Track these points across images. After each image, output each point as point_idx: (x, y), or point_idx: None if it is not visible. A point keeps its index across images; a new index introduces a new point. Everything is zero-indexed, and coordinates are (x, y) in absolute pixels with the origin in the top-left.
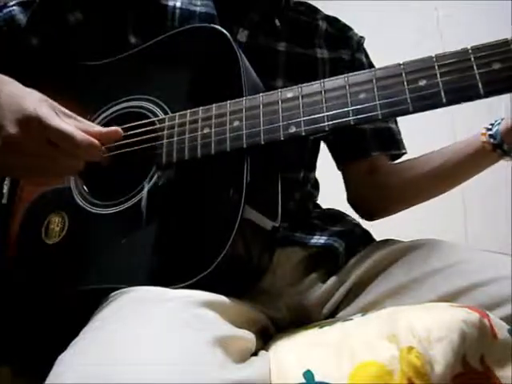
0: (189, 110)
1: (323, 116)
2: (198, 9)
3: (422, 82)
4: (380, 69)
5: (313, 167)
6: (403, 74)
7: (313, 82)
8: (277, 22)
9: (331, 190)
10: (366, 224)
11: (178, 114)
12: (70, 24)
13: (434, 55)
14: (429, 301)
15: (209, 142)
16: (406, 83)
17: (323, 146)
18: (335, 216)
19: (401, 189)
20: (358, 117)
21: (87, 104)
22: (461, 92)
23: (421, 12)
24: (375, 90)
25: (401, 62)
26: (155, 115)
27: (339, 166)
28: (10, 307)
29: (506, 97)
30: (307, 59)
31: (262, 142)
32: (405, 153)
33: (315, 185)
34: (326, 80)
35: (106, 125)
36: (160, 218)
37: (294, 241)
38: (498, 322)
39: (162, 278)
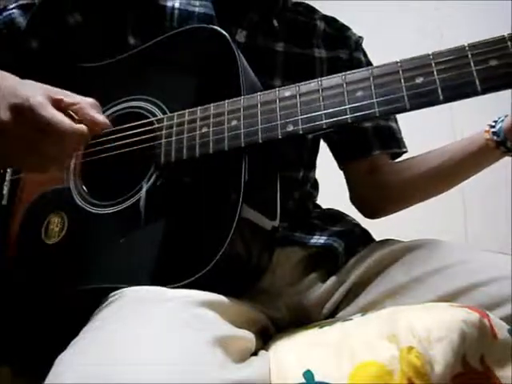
0: (187, 110)
1: (321, 114)
2: (196, 9)
3: (419, 80)
4: (377, 67)
5: (312, 167)
6: (400, 72)
7: (310, 81)
8: (275, 22)
9: (331, 190)
10: (365, 224)
11: (176, 113)
12: (69, 26)
13: (430, 53)
14: (429, 301)
15: (207, 142)
16: (402, 81)
17: (323, 145)
18: (335, 216)
19: (401, 187)
20: (356, 115)
21: None
22: (458, 89)
23: (421, 12)
24: (372, 87)
25: (398, 60)
26: (154, 115)
27: (340, 165)
28: (9, 307)
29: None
30: (305, 59)
31: (260, 141)
32: (405, 151)
33: (315, 185)
34: (323, 78)
35: None
36: (159, 217)
37: (294, 241)
38: (498, 322)
39: (161, 277)
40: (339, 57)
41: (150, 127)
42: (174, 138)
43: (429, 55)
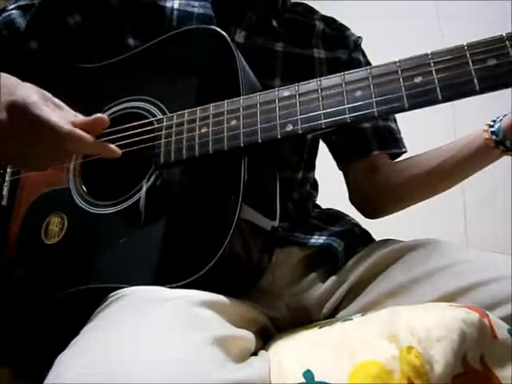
0: (186, 110)
1: (320, 114)
2: (195, 10)
3: (418, 79)
4: (376, 66)
5: (312, 167)
6: (399, 72)
7: (309, 81)
8: (274, 22)
9: (331, 190)
10: (365, 224)
11: (175, 113)
12: (69, 27)
13: (429, 52)
14: (429, 301)
15: (206, 142)
16: (401, 80)
17: (323, 145)
18: (334, 216)
19: (401, 187)
20: (355, 114)
21: (87, 106)
22: (456, 88)
23: (421, 12)
24: (371, 87)
25: (396, 60)
26: (153, 116)
27: (339, 166)
28: (9, 308)
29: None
30: (304, 59)
31: (259, 141)
32: (405, 151)
33: (314, 185)
34: (322, 78)
35: None
36: (158, 217)
37: (294, 241)
38: (498, 322)
39: (161, 277)
40: (338, 57)
41: (149, 127)
42: (173, 138)
43: (427, 55)
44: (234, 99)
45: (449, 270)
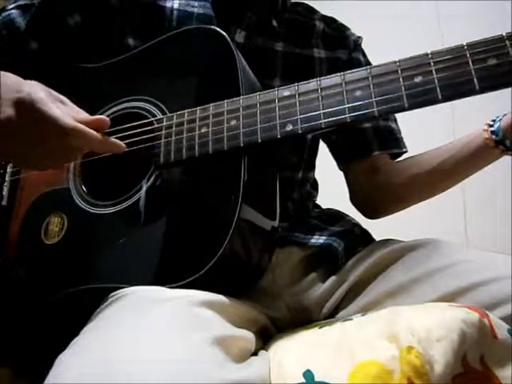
0: (186, 110)
1: (319, 114)
2: (195, 10)
3: (418, 79)
4: (376, 66)
5: (312, 167)
6: (399, 71)
7: (309, 81)
8: (274, 22)
9: (331, 190)
10: (365, 224)
11: (175, 113)
12: (69, 27)
13: (429, 52)
14: (429, 301)
15: (206, 142)
16: (401, 80)
17: (323, 145)
18: (334, 216)
19: (401, 187)
20: (355, 114)
21: (87, 106)
22: (456, 88)
23: (421, 12)
24: (371, 87)
25: (396, 60)
26: (153, 115)
27: (340, 166)
28: (9, 308)
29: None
30: (304, 59)
31: (259, 141)
32: (405, 151)
33: (314, 185)
34: (322, 78)
35: None
36: (158, 217)
37: (294, 241)
38: (498, 322)
39: (161, 277)
40: (338, 57)
41: (149, 127)
42: (173, 138)
43: (427, 54)
44: (234, 99)
45: (449, 270)
